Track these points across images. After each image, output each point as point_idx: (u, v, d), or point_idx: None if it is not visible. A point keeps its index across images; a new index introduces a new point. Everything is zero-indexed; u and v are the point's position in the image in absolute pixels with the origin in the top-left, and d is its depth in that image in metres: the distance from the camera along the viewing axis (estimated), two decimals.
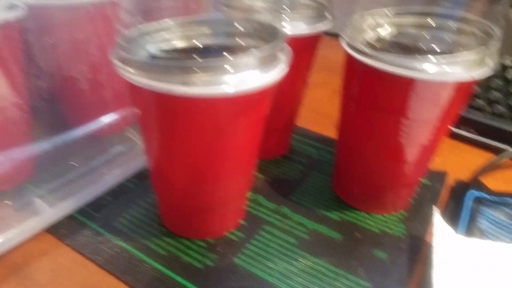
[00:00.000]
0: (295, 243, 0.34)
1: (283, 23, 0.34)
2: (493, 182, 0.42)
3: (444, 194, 0.41)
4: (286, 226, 0.36)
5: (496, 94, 0.50)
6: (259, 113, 0.28)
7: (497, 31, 0.29)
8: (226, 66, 0.23)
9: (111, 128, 0.39)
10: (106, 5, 0.33)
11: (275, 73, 0.26)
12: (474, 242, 0.33)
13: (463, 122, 0.49)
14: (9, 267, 0.31)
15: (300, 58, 0.38)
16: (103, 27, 0.33)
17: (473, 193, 0.39)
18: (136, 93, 0.26)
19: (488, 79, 0.53)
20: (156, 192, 0.34)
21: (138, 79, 0.24)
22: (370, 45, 0.30)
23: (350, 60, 0.32)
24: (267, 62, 0.25)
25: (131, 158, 0.40)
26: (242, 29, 0.28)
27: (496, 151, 0.46)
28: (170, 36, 0.27)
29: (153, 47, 0.26)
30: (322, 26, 0.36)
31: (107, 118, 0.37)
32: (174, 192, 0.32)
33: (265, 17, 0.28)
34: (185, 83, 0.23)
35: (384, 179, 0.35)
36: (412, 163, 0.34)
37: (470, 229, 0.35)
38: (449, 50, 0.28)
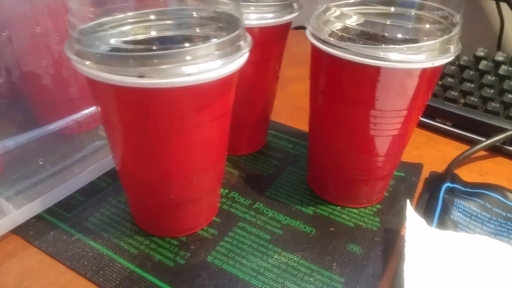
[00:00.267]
0: (269, 239, 0.34)
1: (251, 15, 0.34)
2: (468, 173, 0.42)
3: (420, 186, 0.41)
4: (260, 222, 0.35)
5: (469, 86, 0.51)
6: (222, 104, 0.28)
7: (458, 18, 0.29)
8: (185, 56, 0.23)
9: (82, 126, 0.38)
10: None
11: (236, 63, 0.25)
12: (446, 235, 0.33)
13: (438, 114, 0.50)
14: None
15: (269, 49, 0.37)
16: (64, 21, 0.32)
17: (447, 185, 0.39)
18: (94, 87, 0.26)
19: (462, 70, 0.53)
20: (125, 190, 0.33)
21: (95, 73, 0.23)
22: (335, 35, 0.30)
23: (316, 51, 0.31)
24: (227, 51, 0.25)
25: (103, 157, 0.39)
26: (202, 19, 0.28)
27: (472, 142, 0.46)
28: (129, 28, 0.27)
29: (111, 40, 0.25)
30: (289, 17, 0.36)
31: (76, 116, 0.37)
32: (142, 189, 0.31)
33: (227, 7, 0.27)
34: (143, 75, 0.23)
35: (356, 172, 0.35)
36: (383, 155, 0.33)
37: (444, 221, 0.35)
38: (413, 38, 0.28)
